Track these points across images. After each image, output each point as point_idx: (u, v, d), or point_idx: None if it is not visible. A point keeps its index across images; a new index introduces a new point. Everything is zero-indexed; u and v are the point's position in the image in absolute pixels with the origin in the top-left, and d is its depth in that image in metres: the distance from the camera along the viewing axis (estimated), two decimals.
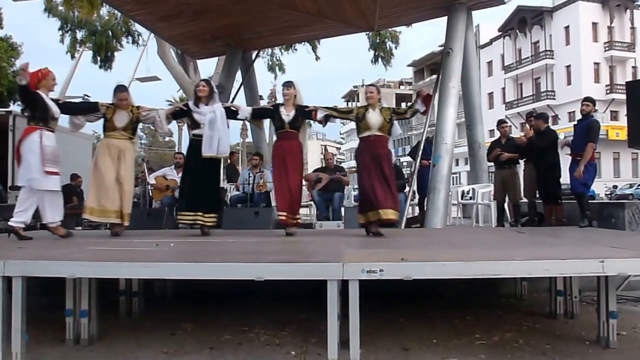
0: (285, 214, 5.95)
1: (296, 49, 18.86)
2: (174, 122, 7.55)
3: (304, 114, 6.14)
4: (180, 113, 6.38)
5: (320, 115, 6.08)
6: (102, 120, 5.98)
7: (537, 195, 7.59)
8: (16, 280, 3.55)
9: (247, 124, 17.04)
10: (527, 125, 7.86)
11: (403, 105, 67.48)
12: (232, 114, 6.34)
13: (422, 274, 3.44)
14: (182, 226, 6.77)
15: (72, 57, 18.50)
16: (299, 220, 6.24)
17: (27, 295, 3.57)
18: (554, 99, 40.85)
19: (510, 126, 8.56)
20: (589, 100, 7.03)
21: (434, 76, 16.39)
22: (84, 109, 6.25)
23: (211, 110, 6.05)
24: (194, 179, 6.07)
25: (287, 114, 6.04)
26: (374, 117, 5.80)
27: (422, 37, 66.77)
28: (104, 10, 16.88)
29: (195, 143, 6.06)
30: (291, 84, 6.19)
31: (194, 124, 6.13)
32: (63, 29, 17.62)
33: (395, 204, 5.70)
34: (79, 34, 17.72)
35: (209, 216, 6.12)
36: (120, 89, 6.11)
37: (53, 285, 3.95)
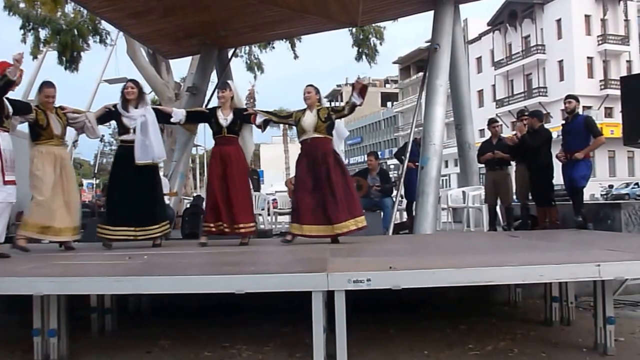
0: (212, 224, 5.99)
1: (274, 47, 18.86)
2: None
3: (243, 117, 6.18)
4: (107, 116, 6.15)
5: (259, 119, 6.16)
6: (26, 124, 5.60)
7: (530, 197, 7.69)
8: None
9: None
10: (520, 124, 7.96)
11: (389, 104, 68.45)
12: (164, 117, 6.22)
13: (412, 283, 3.48)
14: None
15: (35, 57, 18.27)
16: (253, 229, 6.18)
17: None
18: (546, 95, 41.35)
19: (501, 125, 8.67)
20: (571, 97, 7.21)
21: (421, 74, 16.60)
22: (21, 108, 5.54)
23: (142, 113, 5.91)
24: (127, 190, 5.92)
25: (224, 118, 6.07)
26: (309, 119, 5.91)
27: (408, 33, 67.26)
28: (69, 8, 16.73)
29: (125, 150, 5.92)
30: (227, 85, 6.28)
31: (123, 129, 5.98)
32: (25, 28, 17.38)
33: (339, 214, 5.74)
34: (42, 33, 17.51)
35: (158, 227, 6.03)
36: (49, 84, 5.72)
37: (21, 302, 3.90)
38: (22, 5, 17.00)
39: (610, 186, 33.57)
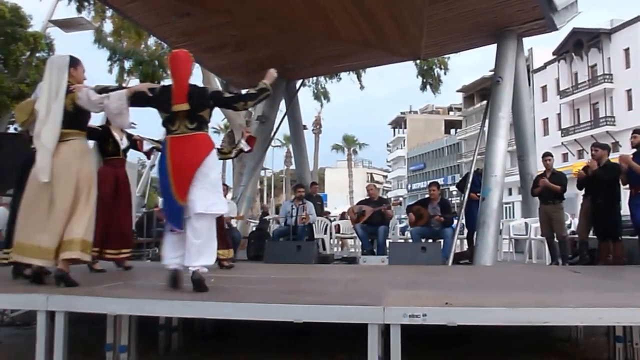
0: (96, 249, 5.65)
1: (340, 78, 19.08)
2: None
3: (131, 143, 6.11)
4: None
5: (146, 147, 6.16)
6: None
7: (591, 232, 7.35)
8: (59, 316, 3.70)
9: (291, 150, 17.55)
10: (592, 157, 7.59)
11: (452, 131, 67.35)
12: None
13: (467, 320, 3.39)
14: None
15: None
16: (127, 254, 5.97)
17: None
18: (614, 125, 39.53)
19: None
20: (637, 132, 6.92)
21: (485, 102, 16.25)
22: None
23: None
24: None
25: (121, 140, 5.95)
26: None
27: (472, 60, 66.17)
28: (151, 41, 17.68)
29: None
30: None
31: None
32: (112, 59, 18.49)
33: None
34: (127, 64, 18.57)
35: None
36: None
37: (94, 316, 4.07)
38: (109, 38, 18.09)
39: None
